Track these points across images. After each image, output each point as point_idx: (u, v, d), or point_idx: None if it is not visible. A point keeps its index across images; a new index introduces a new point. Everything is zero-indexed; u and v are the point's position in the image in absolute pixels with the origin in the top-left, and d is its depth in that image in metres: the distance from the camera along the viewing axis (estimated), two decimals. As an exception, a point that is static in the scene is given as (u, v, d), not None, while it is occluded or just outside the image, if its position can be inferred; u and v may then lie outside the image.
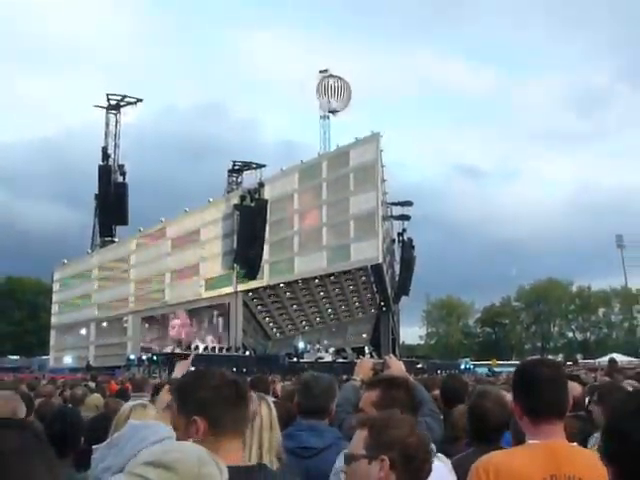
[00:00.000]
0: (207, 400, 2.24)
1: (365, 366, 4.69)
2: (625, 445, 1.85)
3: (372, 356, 41.27)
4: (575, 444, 2.94)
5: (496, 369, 48.88)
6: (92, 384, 16.31)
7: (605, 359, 46.25)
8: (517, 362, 43.88)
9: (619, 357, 46.47)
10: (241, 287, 50.51)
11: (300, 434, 3.95)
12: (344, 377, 13.87)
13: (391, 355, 5.23)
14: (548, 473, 2.57)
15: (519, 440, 3.16)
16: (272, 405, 3.53)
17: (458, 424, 4.77)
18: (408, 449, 2.40)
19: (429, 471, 2.48)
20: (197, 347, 48.77)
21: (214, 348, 48.51)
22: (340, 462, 3.54)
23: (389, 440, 2.41)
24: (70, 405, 7.94)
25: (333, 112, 60.22)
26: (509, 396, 5.25)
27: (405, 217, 62.38)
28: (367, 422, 2.55)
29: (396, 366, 4.52)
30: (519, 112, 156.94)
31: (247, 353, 48.11)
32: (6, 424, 1.72)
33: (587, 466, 2.61)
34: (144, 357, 44.86)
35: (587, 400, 5.83)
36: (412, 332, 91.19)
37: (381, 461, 2.38)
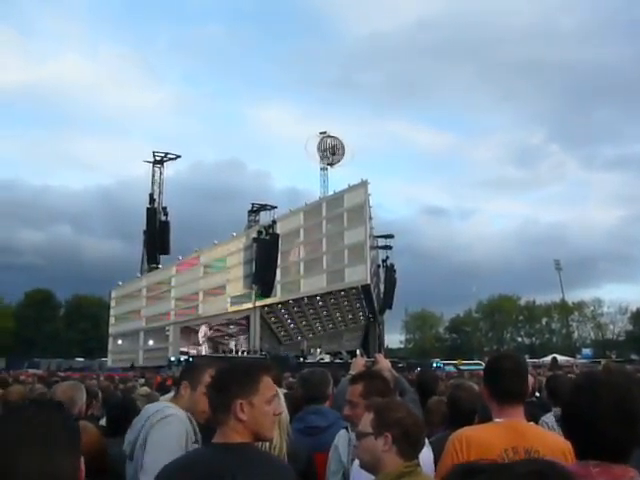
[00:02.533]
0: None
1: (359, 363, 4.63)
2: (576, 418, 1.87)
3: (362, 356, 41.03)
4: (532, 423, 2.90)
5: (461, 367, 48.45)
6: (141, 380, 16.18)
7: (547, 359, 46.05)
8: (478, 361, 43.68)
9: (558, 357, 46.23)
10: (259, 303, 50.42)
11: (308, 416, 3.94)
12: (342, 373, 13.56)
13: (379, 354, 5.17)
14: (510, 445, 2.54)
15: (484, 421, 3.13)
16: (280, 392, 3.51)
17: (433, 411, 4.70)
18: (405, 427, 2.46)
19: (423, 444, 2.57)
20: (224, 351, 48.63)
21: (237, 351, 48.33)
22: (337, 440, 3.50)
23: (390, 420, 2.48)
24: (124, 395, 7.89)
25: (330, 164, 60.52)
26: (477, 388, 5.24)
27: (388, 247, 62.46)
28: (372, 406, 2.61)
29: (383, 362, 4.46)
30: (472, 165, 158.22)
31: (264, 355, 47.84)
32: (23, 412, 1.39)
33: (541, 440, 2.59)
34: (182, 358, 44.64)
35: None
36: (394, 338, 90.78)
37: (385, 437, 2.45)
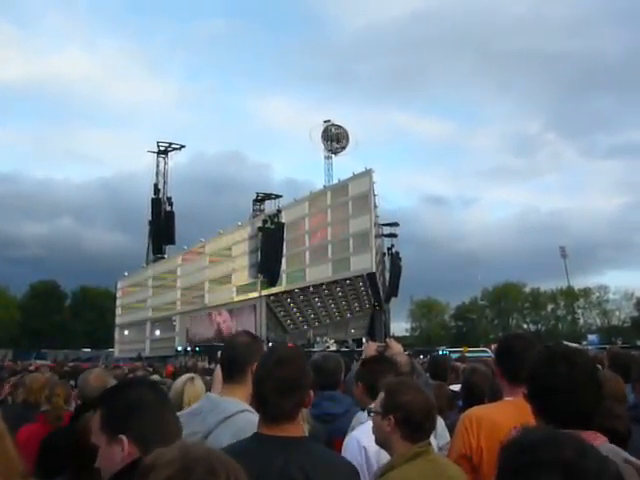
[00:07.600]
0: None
1: (371, 348, 4.68)
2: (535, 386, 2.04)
3: (368, 342, 41.07)
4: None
5: (467, 355, 48.35)
6: (150, 369, 16.36)
7: (553, 345, 45.85)
8: (484, 348, 43.75)
9: (565, 344, 46.07)
10: (264, 292, 50.37)
11: (322, 403, 3.93)
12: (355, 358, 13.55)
13: (391, 338, 5.24)
14: (519, 422, 2.58)
15: (492, 401, 3.21)
16: None
17: (438, 396, 4.75)
18: (408, 412, 2.50)
19: (430, 428, 2.58)
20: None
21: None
22: (355, 422, 3.54)
23: (396, 403, 2.52)
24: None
25: (335, 153, 60.39)
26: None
27: (393, 235, 62.34)
28: (385, 386, 2.65)
29: (395, 347, 4.50)
30: (472, 154, 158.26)
31: (270, 344, 47.91)
32: (140, 382, 1.81)
33: None
34: (189, 348, 44.87)
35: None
36: (400, 326, 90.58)
37: (388, 419, 2.51)
